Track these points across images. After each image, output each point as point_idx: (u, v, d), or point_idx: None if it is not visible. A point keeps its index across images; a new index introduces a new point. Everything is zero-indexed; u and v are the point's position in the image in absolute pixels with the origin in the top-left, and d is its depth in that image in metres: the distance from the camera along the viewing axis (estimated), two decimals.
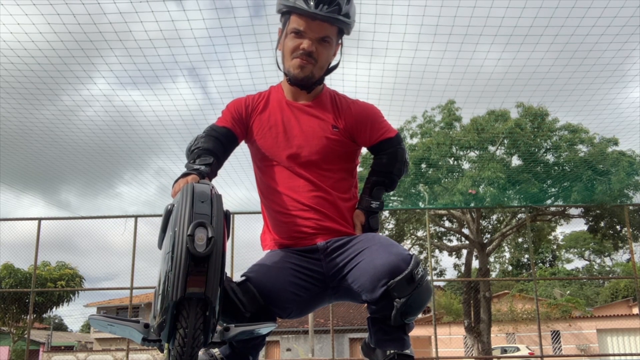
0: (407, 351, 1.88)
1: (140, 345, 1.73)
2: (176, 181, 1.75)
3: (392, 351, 1.86)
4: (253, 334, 1.82)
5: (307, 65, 1.90)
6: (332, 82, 8.01)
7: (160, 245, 1.66)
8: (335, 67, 2.03)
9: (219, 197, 1.60)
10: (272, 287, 1.84)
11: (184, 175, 1.76)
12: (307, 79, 1.93)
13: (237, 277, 1.96)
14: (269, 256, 1.98)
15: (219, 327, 1.67)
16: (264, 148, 2.00)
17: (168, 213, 1.62)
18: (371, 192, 2.03)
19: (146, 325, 1.66)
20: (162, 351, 1.70)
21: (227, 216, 1.62)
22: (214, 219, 1.53)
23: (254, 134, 2.02)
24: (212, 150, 1.90)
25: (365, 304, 1.88)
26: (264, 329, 1.83)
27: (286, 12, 1.91)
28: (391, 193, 13.74)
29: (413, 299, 1.75)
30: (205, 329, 1.54)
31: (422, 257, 16.57)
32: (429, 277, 1.88)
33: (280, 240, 2.00)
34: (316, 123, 1.98)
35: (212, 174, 1.86)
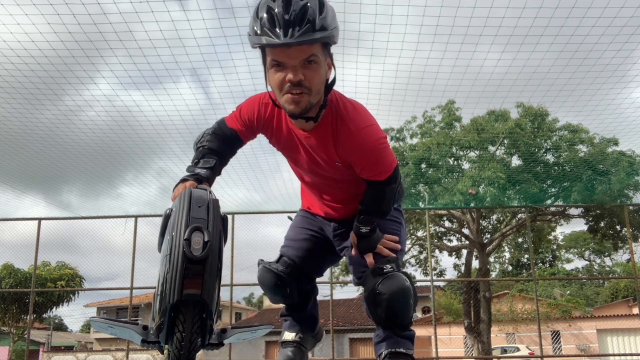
0: (401, 349, 1.98)
1: (140, 345, 1.77)
2: (176, 186, 1.79)
3: (385, 352, 1.98)
4: (249, 335, 1.92)
5: (300, 99, 1.71)
6: None
7: (159, 249, 1.70)
8: (334, 81, 1.85)
9: (216, 202, 1.64)
10: (303, 255, 2.23)
11: (183, 180, 1.80)
12: (307, 110, 1.75)
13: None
14: (298, 220, 2.37)
15: (216, 329, 1.70)
16: (284, 156, 2.13)
17: (166, 217, 1.67)
18: (359, 218, 2.05)
19: (145, 327, 1.70)
20: (162, 352, 1.73)
21: (224, 220, 1.66)
22: (210, 224, 1.57)
23: (271, 143, 2.07)
24: (216, 149, 1.93)
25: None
26: (259, 330, 1.95)
27: (262, 49, 1.72)
28: None
29: (383, 289, 1.93)
30: (202, 331, 1.57)
31: (422, 257, 16.58)
32: (404, 277, 1.98)
33: (307, 209, 2.35)
34: (320, 157, 1.95)
35: (213, 175, 1.90)
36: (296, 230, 2.32)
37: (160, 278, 1.60)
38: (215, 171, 1.90)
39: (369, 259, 2.03)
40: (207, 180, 1.85)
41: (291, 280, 2.20)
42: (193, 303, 1.53)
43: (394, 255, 2.05)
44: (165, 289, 1.53)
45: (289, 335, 2.30)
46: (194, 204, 1.60)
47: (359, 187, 2.03)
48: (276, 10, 1.61)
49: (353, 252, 2.10)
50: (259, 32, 1.63)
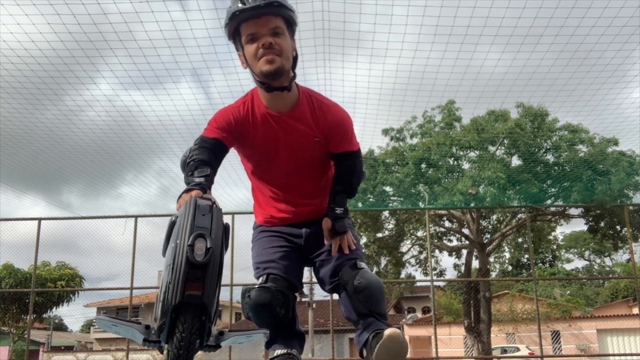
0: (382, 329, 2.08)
1: (140, 345, 1.82)
2: (180, 196, 1.91)
3: (371, 334, 2.08)
4: (245, 339, 2.02)
5: (273, 58, 1.98)
6: (332, 83, 8.02)
7: (164, 254, 1.79)
8: (297, 58, 2.12)
9: (219, 211, 1.76)
10: (287, 270, 2.21)
11: (187, 190, 1.90)
12: (280, 71, 2.00)
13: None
14: (265, 241, 2.29)
15: (214, 331, 1.80)
16: (256, 159, 2.22)
17: (172, 225, 1.77)
18: (334, 200, 2.25)
19: (147, 327, 1.78)
20: (161, 352, 1.80)
21: (226, 229, 1.76)
22: (213, 231, 1.68)
23: (245, 146, 2.19)
24: (206, 160, 2.04)
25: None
26: (255, 335, 2.07)
27: (235, 32, 2.05)
28: (391, 193, 13.76)
29: (357, 280, 2.10)
30: (201, 333, 1.67)
31: (422, 257, 16.58)
32: (373, 273, 2.21)
33: (270, 219, 2.32)
34: (298, 135, 2.15)
35: (210, 184, 2.01)
36: (270, 250, 2.26)
37: (163, 281, 1.69)
38: (211, 179, 2.02)
39: (343, 242, 2.21)
40: (208, 188, 1.96)
41: (288, 295, 2.18)
42: (193, 305, 1.62)
43: (360, 253, 2.26)
44: (168, 291, 1.62)
45: (282, 350, 2.23)
46: (199, 213, 1.70)
47: (328, 172, 2.29)
48: None
49: (326, 241, 2.22)
50: (233, 9, 1.98)
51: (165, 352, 1.76)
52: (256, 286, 2.17)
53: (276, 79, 2.02)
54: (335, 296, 2.32)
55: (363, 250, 2.38)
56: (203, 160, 2.02)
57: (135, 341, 1.87)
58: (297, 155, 2.18)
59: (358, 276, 2.12)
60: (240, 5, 1.98)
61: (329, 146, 2.21)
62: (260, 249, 2.29)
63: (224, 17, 2.09)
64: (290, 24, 2.06)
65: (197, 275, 1.61)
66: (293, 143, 2.15)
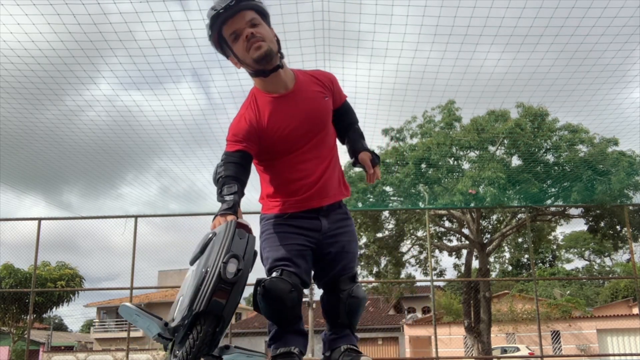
0: (357, 347, 2.33)
1: (140, 345, 1.90)
2: (215, 216, 2.07)
3: (344, 347, 2.30)
4: (246, 359, 2.19)
5: (259, 44, 2.15)
6: None
7: (192, 262, 1.99)
8: (280, 42, 2.30)
9: (254, 238, 1.95)
10: (301, 269, 2.25)
11: (223, 214, 2.05)
12: (269, 53, 2.16)
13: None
14: (281, 236, 2.30)
15: (221, 343, 1.97)
16: (277, 149, 2.28)
17: (207, 239, 1.96)
18: (361, 142, 2.50)
19: (166, 324, 1.94)
20: (165, 349, 1.97)
21: (255, 255, 1.98)
22: (246, 255, 1.88)
23: (266, 143, 2.26)
24: (233, 175, 2.17)
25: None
26: (256, 357, 2.26)
27: (220, 39, 2.23)
28: (391, 193, 13.77)
29: (353, 293, 2.30)
30: (211, 343, 1.84)
31: (422, 257, 16.57)
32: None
33: (291, 204, 2.33)
34: (310, 99, 2.30)
35: (239, 199, 2.15)
36: (287, 247, 2.26)
37: (191, 288, 1.86)
38: (239, 194, 2.14)
39: (378, 171, 2.46)
40: (238, 204, 2.11)
41: (300, 292, 2.21)
42: (212, 317, 1.81)
43: (356, 264, 2.46)
44: (197, 298, 1.80)
45: (284, 348, 2.25)
46: (237, 235, 1.90)
47: (335, 140, 2.46)
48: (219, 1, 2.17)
49: (368, 170, 2.44)
50: (209, 17, 2.18)
51: (168, 351, 1.90)
52: (273, 276, 2.20)
53: (268, 61, 2.17)
54: None
55: (363, 251, 2.45)
56: (229, 176, 2.15)
57: (148, 334, 2.04)
58: (315, 120, 2.30)
59: (355, 289, 2.34)
60: (213, 12, 2.16)
61: (335, 99, 2.42)
62: (276, 243, 2.28)
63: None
64: (264, 15, 2.23)
65: (224, 290, 1.79)
66: (308, 110, 2.28)
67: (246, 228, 1.95)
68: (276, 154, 2.29)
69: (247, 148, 2.21)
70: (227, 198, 2.09)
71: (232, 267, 1.81)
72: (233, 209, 2.06)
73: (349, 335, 2.35)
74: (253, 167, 2.35)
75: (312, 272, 2.42)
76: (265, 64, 2.17)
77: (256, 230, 2.35)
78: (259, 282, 2.18)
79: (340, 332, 2.35)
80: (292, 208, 2.32)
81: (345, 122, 2.50)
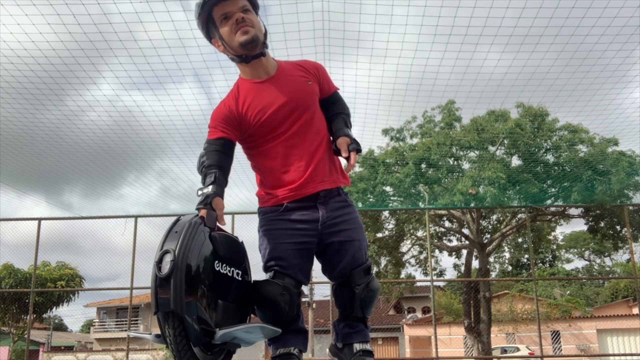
0: (368, 346, 2.33)
1: (140, 345, 1.99)
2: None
3: (358, 347, 2.29)
4: (244, 335, 2.11)
5: (248, 29, 2.18)
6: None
7: None
8: (267, 33, 2.31)
9: (193, 224, 1.93)
10: (296, 269, 2.23)
11: (197, 208, 2.08)
12: (256, 40, 2.19)
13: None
14: (277, 234, 2.25)
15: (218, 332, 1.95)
16: (261, 133, 2.26)
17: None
18: (344, 129, 2.37)
19: (157, 336, 2.02)
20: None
21: (213, 239, 1.99)
22: (182, 245, 1.87)
23: (249, 129, 2.26)
24: (214, 164, 2.17)
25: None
26: (255, 329, 2.15)
27: (208, 19, 2.23)
28: (391, 193, 13.77)
29: (368, 287, 2.28)
30: (188, 334, 1.87)
31: (422, 257, 16.58)
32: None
33: (284, 194, 2.26)
34: (292, 83, 2.30)
35: (219, 187, 2.13)
36: (283, 247, 2.23)
37: None
38: (219, 181, 2.13)
39: (354, 157, 2.29)
40: (216, 194, 2.09)
41: (295, 293, 2.21)
42: (167, 314, 1.85)
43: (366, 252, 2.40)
44: (152, 303, 1.89)
45: (284, 349, 2.25)
46: (172, 232, 1.93)
47: (325, 129, 2.38)
48: None
49: (343, 153, 2.29)
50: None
51: (167, 351, 1.97)
52: (264, 279, 2.21)
53: (253, 47, 2.20)
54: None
55: None
56: (210, 165, 2.16)
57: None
58: (297, 101, 2.27)
59: (371, 282, 2.32)
60: None
61: (323, 88, 2.41)
62: (272, 241, 2.25)
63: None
64: (255, 5, 2.27)
65: (164, 288, 1.83)
66: (289, 92, 2.27)
67: (188, 218, 1.97)
68: (262, 141, 2.26)
69: (227, 134, 2.22)
70: (204, 190, 2.10)
71: (165, 263, 1.84)
72: (205, 202, 2.07)
73: (363, 331, 2.33)
74: (247, 164, 2.36)
75: (321, 266, 2.39)
76: (249, 50, 2.20)
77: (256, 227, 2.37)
78: (252, 286, 2.19)
79: (355, 327, 2.33)
80: (287, 198, 2.25)
81: (333, 112, 2.44)
